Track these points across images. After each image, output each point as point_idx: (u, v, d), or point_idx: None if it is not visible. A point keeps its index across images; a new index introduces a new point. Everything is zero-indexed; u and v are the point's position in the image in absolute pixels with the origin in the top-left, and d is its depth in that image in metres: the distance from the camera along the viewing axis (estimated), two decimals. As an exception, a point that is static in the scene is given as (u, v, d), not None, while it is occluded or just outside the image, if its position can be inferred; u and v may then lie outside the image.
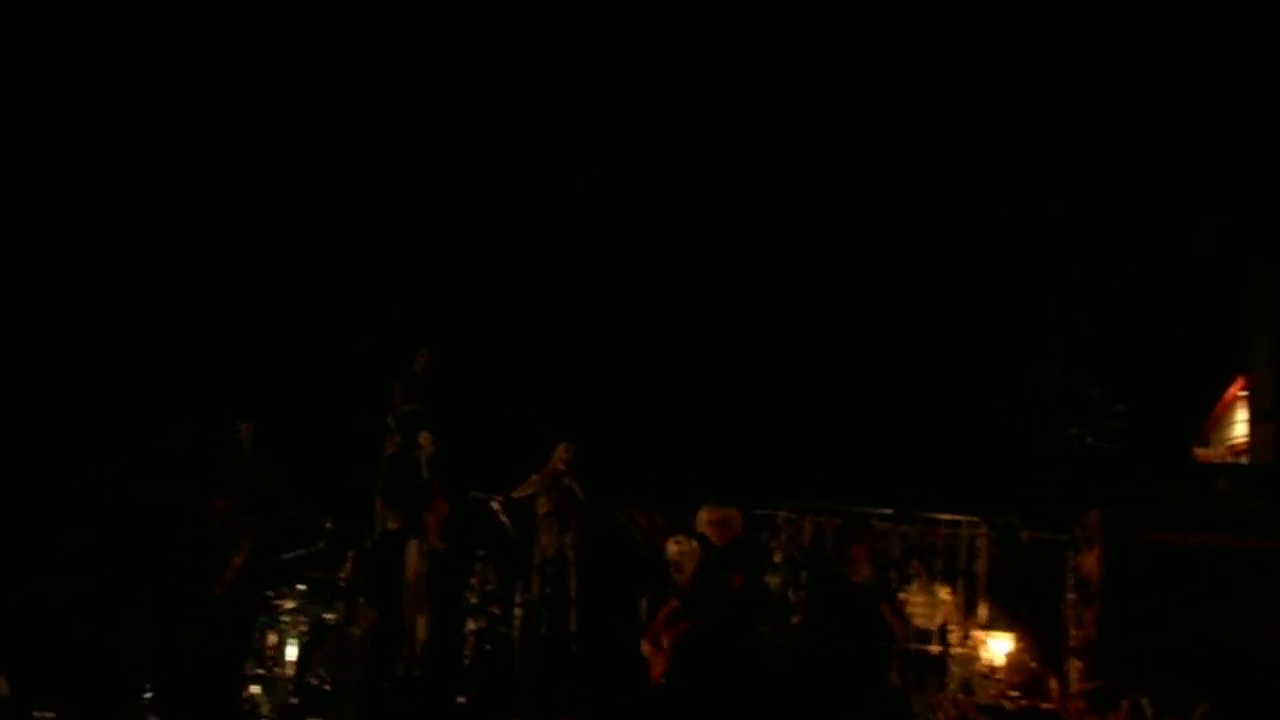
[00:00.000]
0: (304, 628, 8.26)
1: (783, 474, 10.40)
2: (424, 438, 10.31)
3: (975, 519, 9.79)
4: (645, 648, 6.92)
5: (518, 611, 8.76)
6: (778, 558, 9.68)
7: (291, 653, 8.14)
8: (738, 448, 10.94)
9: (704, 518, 7.20)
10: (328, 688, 7.96)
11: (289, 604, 8.26)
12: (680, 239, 12.15)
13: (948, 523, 9.80)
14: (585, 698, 7.02)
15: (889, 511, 9.48)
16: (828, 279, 11.74)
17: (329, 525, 8.47)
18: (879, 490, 9.79)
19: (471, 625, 8.43)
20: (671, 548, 7.25)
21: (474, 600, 8.56)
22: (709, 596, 6.93)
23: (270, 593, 8.18)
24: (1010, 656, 8.84)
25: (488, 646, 8.57)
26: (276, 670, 8.15)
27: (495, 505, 9.12)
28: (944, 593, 9.41)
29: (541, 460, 10.47)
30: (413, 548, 7.32)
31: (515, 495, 10.18)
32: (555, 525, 10.32)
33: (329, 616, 8.38)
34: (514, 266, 12.01)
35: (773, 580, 9.46)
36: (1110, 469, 10.57)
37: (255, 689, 8.10)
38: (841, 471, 10.47)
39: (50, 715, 7.61)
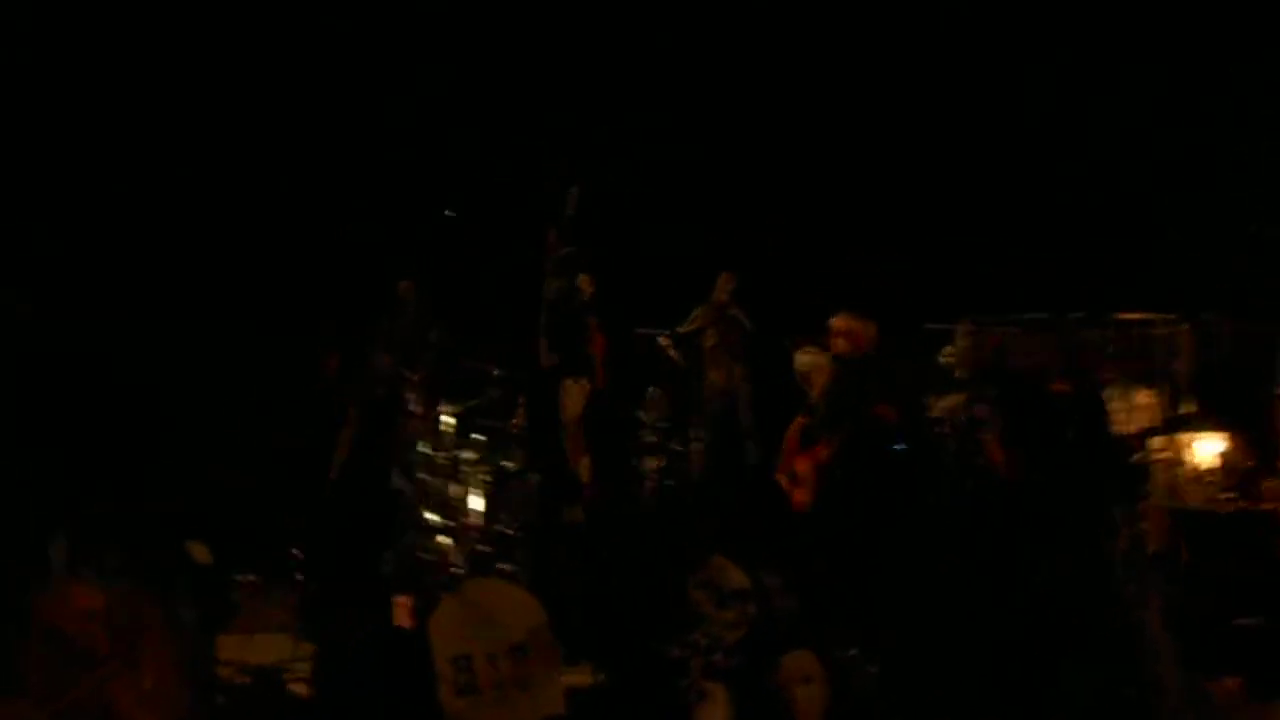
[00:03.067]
0: (486, 477, 8.26)
1: (958, 284, 9.88)
2: (582, 279, 10.14)
3: (1172, 316, 9.17)
4: (780, 477, 6.56)
5: (695, 446, 8.61)
6: (960, 373, 9.26)
7: (476, 502, 8.17)
8: (908, 259, 10.40)
9: (832, 326, 6.76)
10: (513, 533, 8.01)
11: (468, 454, 8.25)
12: (841, 50, 11.41)
13: (1141, 322, 9.20)
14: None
15: (1079, 315, 8.90)
16: (1004, 68, 10.86)
17: (495, 373, 8.38)
18: (1065, 294, 9.19)
19: (652, 463, 8.31)
20: (800, 359, 6.87)
21: (652, 438, 8.41)
22: (843, 415, 6.52)
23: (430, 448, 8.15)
24: (1222, 457, 8.31)
25: (669, 483, 8.46)
26: (464, 520, 8.21)
27: (663, 341, 8.90)
28: (1143, 396, 8.89)
29: (705, 293, 10.23)
30: (570, 387, 7.12)
31: (681, 330, 9.97)
32: (724, 358, 10.13)
33: (508, 464, 8.38)
34: (662, 92, 11.49)
35: (950, 401, 9.06)
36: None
37: (445, 539, 8.19)
38: (1021, 277, 9.87)
39: (253, 579, 7.85)
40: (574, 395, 7.06)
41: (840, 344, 6.77)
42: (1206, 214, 10.06)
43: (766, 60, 11.45)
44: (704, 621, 4.04)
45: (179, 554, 6.71)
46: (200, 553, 7.90)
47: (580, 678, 4.67)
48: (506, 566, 7.84)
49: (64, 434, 8.54)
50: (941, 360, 9.24)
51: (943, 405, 8.95)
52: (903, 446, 8.01)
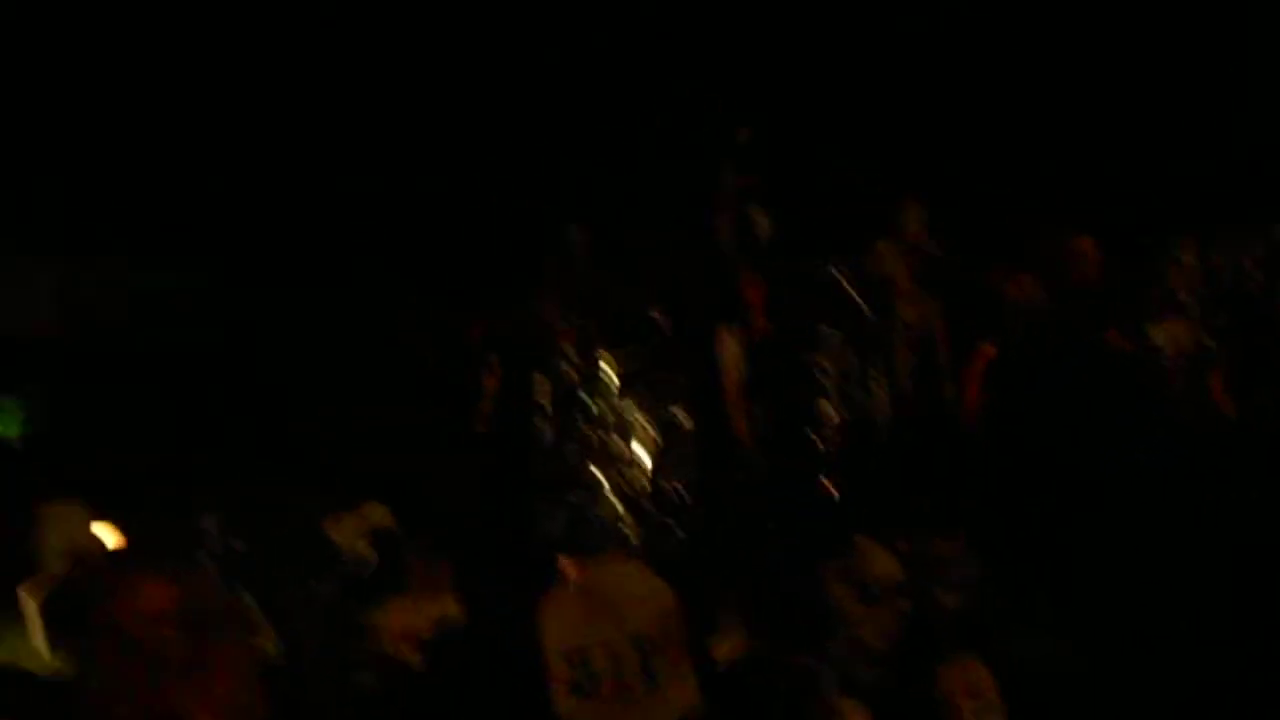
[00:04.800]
0: (652, 431, 7.74)
1: (1179, 196, 8.66)
2: (757, 213, 9.45)
3: None
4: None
5: (877, 393, 7.79)
6: (1183, 296, 8.14)
7: (643, 459, 7.66)
8: (1120, 174, 9.22)
9: (1072, 247, 5.86)
10: (684, 495, 7.46)
11: (632, 406, 7.73)
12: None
13: None
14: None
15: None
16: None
17: (655, 316, 7.78)
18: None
19: (831, 412, 7.56)
20: (1011, 290, 6.01)
21: (827, 383, 7.66)
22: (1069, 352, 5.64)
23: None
24: None
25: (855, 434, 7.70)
26: (630, 475, 7.72)
27: (838, 274, 8.09)
28: None
29: (892, 223, 9.38)
30: (726, 337, 6.41)
31: (868, 266, 9.17)
32: (916, 294, 9.28)
33: (678, 416, 7.82)
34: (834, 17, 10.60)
35: (1176, 329, 7.98)
36: None
37: (612, 497, 7.71)
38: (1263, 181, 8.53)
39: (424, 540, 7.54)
40: (731, 347, 6.35)
41: (1078, 271, 5.93)
42: None
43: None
44: (843, 624, 3.29)
45: (315, 526, 6.43)
46: (379, 514, 7.69)
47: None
48: (677, 531, 7.32)
49: (211, 403, 8.48)
50: (1164, 282, 8.14)
51: (1165, 333, 7.90)
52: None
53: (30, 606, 4.79)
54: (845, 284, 7.95)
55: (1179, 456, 5.59)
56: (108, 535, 6.62)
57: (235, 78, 10.13)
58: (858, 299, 7.96)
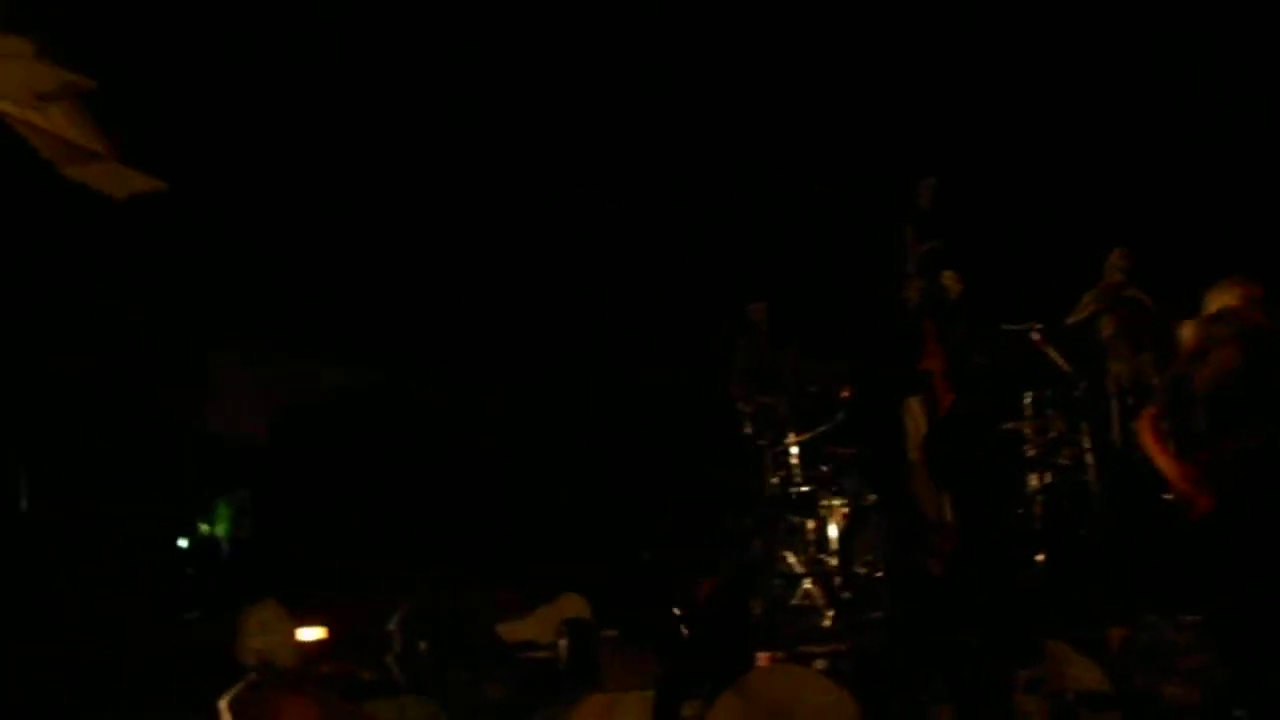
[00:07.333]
0: (844, 510, 7.34)
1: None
2: (948, 277, 9.00)
3: None
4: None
5: (1089, 458, 7.18)
6: None
7: (834, 540, 7.27)
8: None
9: (1243, 292, 5.28)
10: (879, 575, 7.02)
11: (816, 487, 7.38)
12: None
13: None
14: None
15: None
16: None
17: (844, 395, 7.41)
18: None
19: (1034, 482, 7.02)
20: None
21: (1033, 452, 7.13)
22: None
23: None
24: None
25: (1063, 503, 7.12)
26: (824, 559, 7.33)
27: (1035, 336, 7.56)
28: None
29: (1095, 275, 8.81)
30: (913, 408, 6.00)
31: (1070, 321, 8.59)
32: (1126, 348, 8.63)
33: (871, 497, 7.41)
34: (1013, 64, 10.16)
35: None
36: None
37: (808, 584, 7.35)
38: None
39: (614, 634, 7.37)
40: (917, 421, 5.94)
41: (1259, 314, 5.35)
42: None
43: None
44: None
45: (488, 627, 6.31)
46: (575, 606, 7.55)
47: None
48: (876, 614, 6.87)
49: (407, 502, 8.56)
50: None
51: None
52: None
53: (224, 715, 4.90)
54: (1043, 344, 7.41)
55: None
56: (310, 633, 6.68)
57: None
58: (1055, 359, 7.41)
